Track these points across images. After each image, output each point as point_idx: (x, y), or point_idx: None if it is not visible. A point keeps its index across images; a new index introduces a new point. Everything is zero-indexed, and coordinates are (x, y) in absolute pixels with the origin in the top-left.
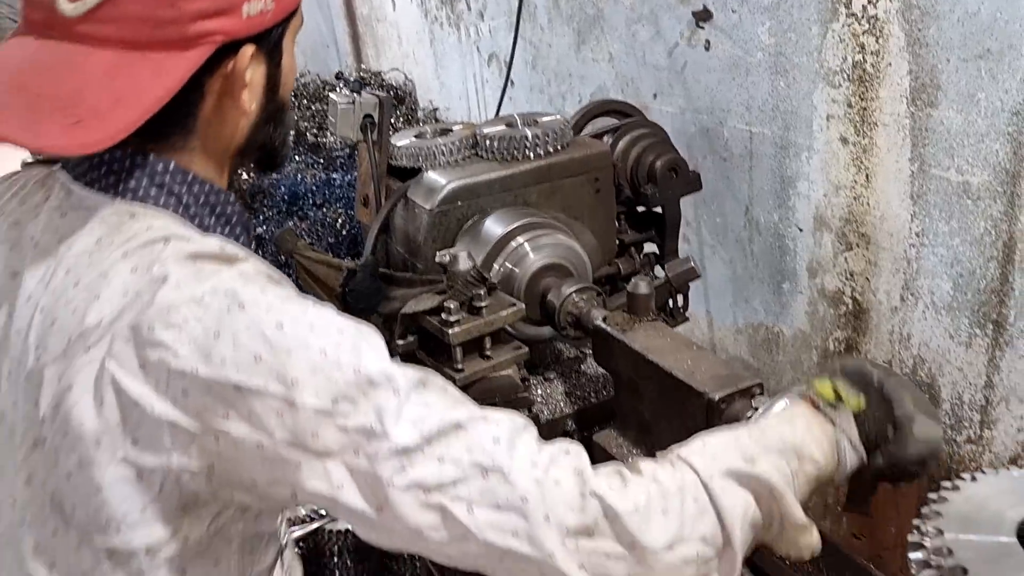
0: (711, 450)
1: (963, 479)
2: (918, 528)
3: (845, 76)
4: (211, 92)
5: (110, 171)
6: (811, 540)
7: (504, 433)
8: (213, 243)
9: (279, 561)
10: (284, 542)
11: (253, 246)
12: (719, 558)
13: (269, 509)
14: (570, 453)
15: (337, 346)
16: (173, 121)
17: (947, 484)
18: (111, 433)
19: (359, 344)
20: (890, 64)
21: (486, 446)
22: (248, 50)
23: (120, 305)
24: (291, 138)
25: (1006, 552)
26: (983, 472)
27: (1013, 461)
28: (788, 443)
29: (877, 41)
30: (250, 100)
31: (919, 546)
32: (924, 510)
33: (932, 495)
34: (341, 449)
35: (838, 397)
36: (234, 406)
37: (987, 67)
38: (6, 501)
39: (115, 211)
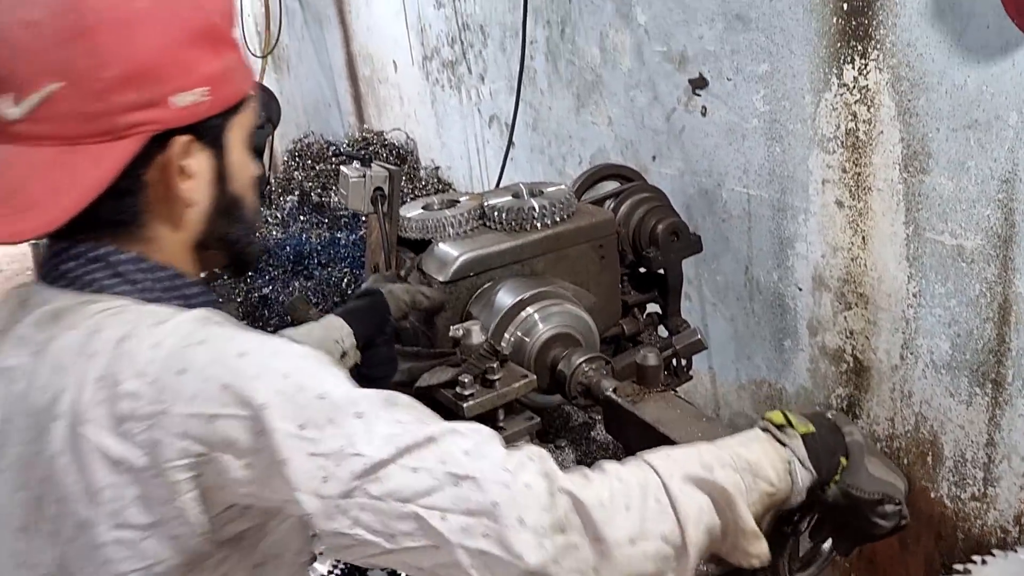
0: (674, 456)
1: (974, 562)
2: None
3: (839, 143)
4: (152, 182)
5: (73, 268)
6: (760, 548)
7: (473, 445)
8: (167, 308)
9: None
10: None
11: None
12: (676, 558)
13: (271, 528)
14: (534, 459)
15: (299, 370)
16: (121, 212)
17: (959, 567)
18: (100, 495)
19: (320, 371)
20: (882, 132)
21: (458, 457)
22: (180, 140)
23: (83, 372)
24: (257, 238)
25: None
26: (992, 554)
27: (1017, 519)
28: (744, 461)
29: (869, 110)
30: (194, 190)
31: None
32: None
33: None
34: (310, 476)
35: (788, 422)
36: (210, 441)
37: (976, 137)
38: None
39: (78, 301)
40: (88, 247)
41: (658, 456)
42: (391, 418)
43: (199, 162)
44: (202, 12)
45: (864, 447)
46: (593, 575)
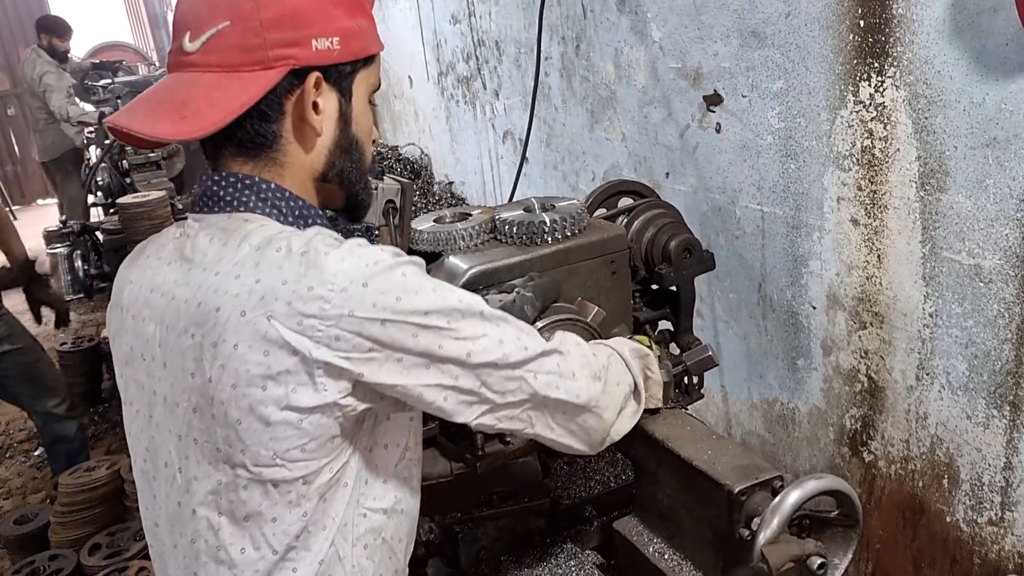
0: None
1: None
2: None
3: (854, 160)
4: (289, 112)
5: (224, 193)
6: (660, 392)
7: (566, 364)
8: (328, 231)
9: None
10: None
11: None
12: (633, 395)
13: (384, 420)
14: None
15: (440, 286)
16: (264, 135)
17: None
18: (275, 380)
19: (447, 287)
20: (898, 150)
21: (551, 370)
22: (313, 75)
23: (265, 277)
24: (370, 189)
25: None
26: None
27: None
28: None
29: (885, 128)
30: (321, 122)
31: None
32: None
33: None
34: (457, 353)
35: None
36: (379, 340)
37: (994, 155)
38: (173, 465)
39: (233, 219)
40: (242, 175)
41: (617, 343)
42: (502, 322)
43: (327, 101)
44: None
45: None
46: (601, 405)
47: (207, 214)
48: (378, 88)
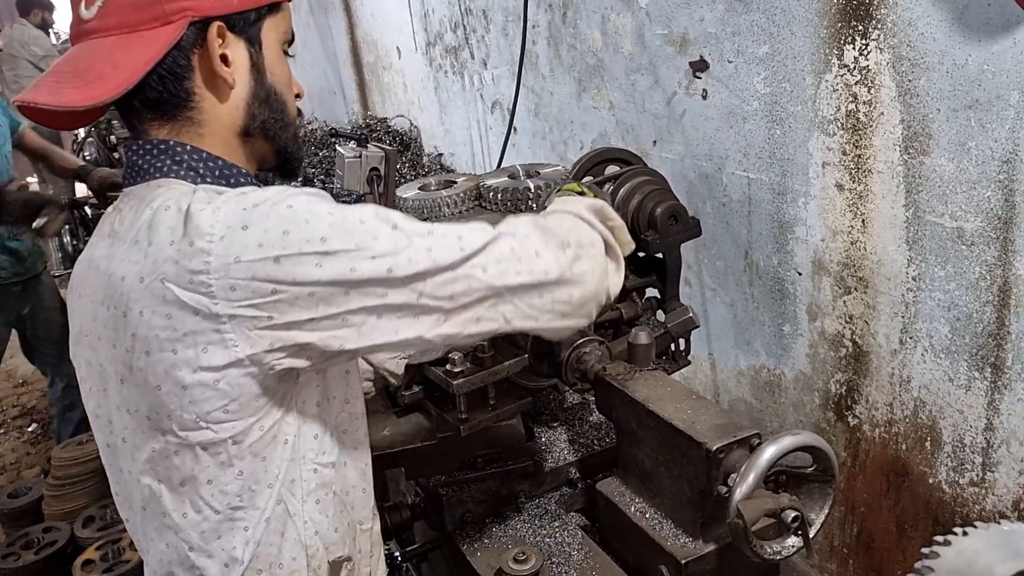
0: (573, 200)
1: (955, 533)
2: None
3: (839, 125)
4: (198, 67)
5: (143, 163)
6: (628, 236)
7: (523, 246)
8: (219, 186)
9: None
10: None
11: None
12: (606, 250)
13: (325, 364)
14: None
15: (341, 208)
16: (177, 93)
17: (939, 539)
18: (183, 342)
19: (348, 206)
20: (882, 113)
21: (476, 235)
22: (215, 25)
23: (155, 239)
24: (299, 142)
25: None
26: (974, 526)
27: (1016, 504)
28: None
29: (869, 91)
30: (233, 74)
31: None
32: (917, 564)
33: (924, 549)
34: (376, 272)
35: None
36: (277, 279)
37: (976, 117)
38: (120, 437)
39: (149, 187)
40: (157, 141)
41: (564, 204)
42: (417, 224)
43: (236, 52)
44: None
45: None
46: (578, 272)
47: (132, 186)
48: (292, 39)
